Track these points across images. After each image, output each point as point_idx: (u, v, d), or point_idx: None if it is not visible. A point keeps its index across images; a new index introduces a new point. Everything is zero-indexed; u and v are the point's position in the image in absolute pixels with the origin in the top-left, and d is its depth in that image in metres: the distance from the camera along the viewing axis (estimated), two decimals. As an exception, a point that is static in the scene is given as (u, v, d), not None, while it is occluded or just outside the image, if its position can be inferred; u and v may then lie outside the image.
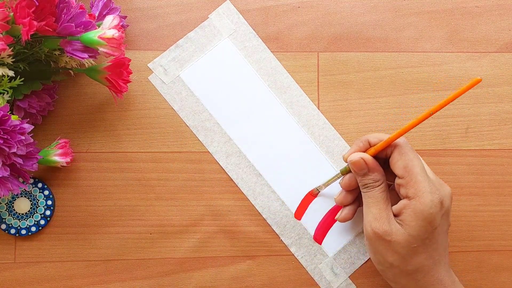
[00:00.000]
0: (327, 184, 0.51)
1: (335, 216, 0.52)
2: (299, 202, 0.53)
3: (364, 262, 0.52)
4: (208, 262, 0.52)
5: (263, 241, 0.52)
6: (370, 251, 0.46)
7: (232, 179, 0.53)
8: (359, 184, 0.46)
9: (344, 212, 0.50)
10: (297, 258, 0.52)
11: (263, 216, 0.52)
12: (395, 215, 0.44)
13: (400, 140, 0.45)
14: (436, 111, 0.43)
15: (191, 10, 0.54)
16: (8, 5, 0.42)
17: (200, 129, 0.53)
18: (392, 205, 0.45)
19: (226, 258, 0.52)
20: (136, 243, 0.52)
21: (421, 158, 0.46)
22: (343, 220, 0.50)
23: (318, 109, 0.54)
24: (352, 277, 0.52)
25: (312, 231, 0.52)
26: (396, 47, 0.55)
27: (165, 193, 0.52)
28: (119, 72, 0.47)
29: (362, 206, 0.47)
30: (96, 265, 0.52)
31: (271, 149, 0.53)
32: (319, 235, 0.52)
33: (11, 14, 0.42)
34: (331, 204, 0.53)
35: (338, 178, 0.50)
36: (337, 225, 0.53)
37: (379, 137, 0.46)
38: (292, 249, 0.52)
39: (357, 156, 0.46)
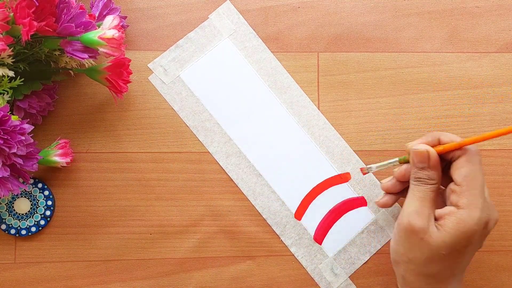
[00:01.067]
0: (380, 167, 0.49)
1: (335, 216, 0.52)
2: (300, 201, 0.53)
3: (364, 262, 0.52)
4: (208, 262, 0.52)
5: (263, 241, 0.52)
6: (396, 240, 0.45)
7: (232, 179, 0.53)
8: (412, 176, 0.45)
9: (385, 198, 0.49)
10: (297, 258, 0.52)
11: (263, 216, 0.52)
12: (435, 219, 0.43)
13: (472, 148, 0.44)
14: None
15: (191, 10, 0.54)
16: (8, 5, 0.42)
17: (200, 129, 0.53)
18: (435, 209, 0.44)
19: (226, 258, 0.52)
20: (136, 243, 0.52)
21: (484, 176, 0.44)
22: (383, 206, 0.49)
23: (318, 109, 0.54)
24: (352, 277, 0.52)
25: (312, 231, 0.52)
26: (396, 47, 0.55)
27: (165, 193, 0.52)
28: (119, 72, 0.47)
29: (405, 197, 0.46)
30: (96, 265, 0.52)
31: (271, 149, 0.53)
32: (319, 235, 0.52)
33: (11, 14, 0.41)
34: (331, 204, 0.53)
35: (393, 165, 0.48)
36: (337, 225, 0.53)
37: (451, 138, 0.45)
38: (292, 249, 0.52)
39: (424, 147, 0.44)
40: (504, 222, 0.54)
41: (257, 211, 0.52)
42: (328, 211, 0.53)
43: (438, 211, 0.43)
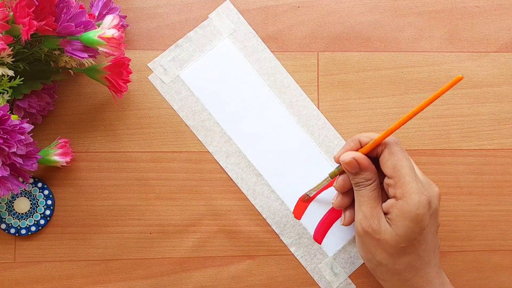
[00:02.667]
0: (316, 188, 0.51)
1: (335, 215, 0.52)
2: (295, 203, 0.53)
3: (364, 262, 0.52)
4: (208, 262, 0.52)
5: (263, 241, 0.52)
6: (360, 248, 0.47)
7: (232, 179, 0.53)
8: (352, 183, 0.46)
9: (347, 216, 0.49)
10: (297, 257, 0.52)
11: (263, 215, 0.52)
12: (385, 213, 0.44)
13: (390, 140, 0.45)
14: (420, 111, 0.44)
15: (191, 10, 0.54)
16: (8, 5, 0.42)
17: (200, 129, 0.53)
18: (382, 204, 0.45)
19: (226, 258, 0.52)
20: (136, 243, 0.52)
21: (411, 159, 0.45)
22: (349, 224, 0.49)
23: (318, 109, 0.54)
24: (352, 276, 0.52)
25: (312, 231, 0.52)
26: (396, 47, 0.55)
27: (165, 192, 0.52)
28: (119, 72, 0.47)
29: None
30: (96, 265, 0.52)
31: (271, 149, 0.53)
32: (319, 234, 0.52)
33: (11, 14, 0.42)
34: (331, 204, 0.53)
35: (327, 181, 0.50)
36: (337, 225, 0.53)
37: (370, 136, 0.46)
38: (292, 249, 0.52)
39: (349, 155, 0.45)
40: (504, 222, 0.54)
41: (257, 210, 0.52)
42: (327, 210, 0.53)
43: (384, 206, 0.45)
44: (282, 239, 0.52)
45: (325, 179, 0.50)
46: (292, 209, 0.52)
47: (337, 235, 0.53)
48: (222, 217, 0.52)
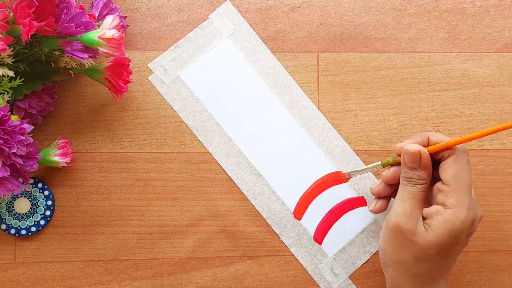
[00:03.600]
0: (362, 171, 0.50)
1: (335, 216, 0.52)
2: (299, 198, 0.53)
3: (364, 262, 0.52)
4: (208, 262, 0.52)
5: (263, 241, 0.52)
6: (384, 240, 0.45)
7: (232, 179, 0.53)
8: (402, 175, 0.45)
9: (379, 204, 0.49)
10: (297, 258, 0.52)
11: (263, 216, 0.52)
12: (423, 218, 0.43)
13: (461, 147, 0.44)
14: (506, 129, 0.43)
15: (191, 10, 0.54)
16: (8, 5, 0.42)
17: (200, 129, 0.53)
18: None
19: (226, 258, 0.52)
20: (136, 243, 0.52)
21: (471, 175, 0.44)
22: (377, 212, 0.49)
23: (318, 109, 0.54)
24: (352, 277, 0.52)
25: (312, 231, 0.52)
26: (396, 47, 0.55)
27: (165, 193, 0.52)
28: (119, 72, 0.47)
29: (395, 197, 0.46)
30: (96, 265, 0.51)
31: (271, 149, 0.53)
32: (319, 235, 0.52)
33: (11, 14, 0.41)
34: (331, 204, 0.53)
35: (376, 169, 0.49)
36: (337, 225, 0.53)
37: (440, 138, 0.45)
38: (292, 249, 0.52)
39: (415, 147, 0.44)
40: (504, 222, 0.54)
41: (257, 211, 0.52)
42: (328, 211, 0.53)
43: (426, 210, 0.43)
44: (282, 240, 0.52)
45: (376, 165, 0.48)
46: (292, 210, 0.52)
47: (337, 235, 0.52)
48: (222, 218, 0.52)
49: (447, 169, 0.43)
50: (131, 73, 0.48)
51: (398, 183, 0.46)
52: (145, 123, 0.53)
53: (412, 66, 0.55)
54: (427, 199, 0.46)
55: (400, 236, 0.43)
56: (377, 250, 0.52)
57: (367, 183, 0.53)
